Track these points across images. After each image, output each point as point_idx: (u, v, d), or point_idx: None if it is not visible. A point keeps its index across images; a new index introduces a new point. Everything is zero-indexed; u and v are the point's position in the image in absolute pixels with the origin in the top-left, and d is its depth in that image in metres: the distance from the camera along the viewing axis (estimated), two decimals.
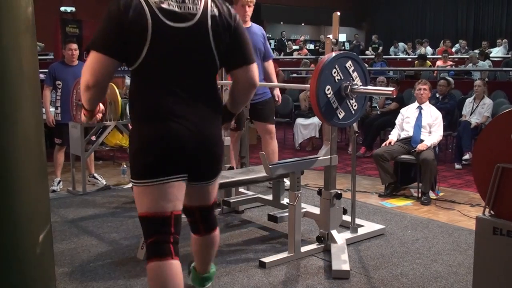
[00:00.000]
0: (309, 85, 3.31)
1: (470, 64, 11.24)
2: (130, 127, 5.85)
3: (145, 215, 2.24)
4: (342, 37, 21.05)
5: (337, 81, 3.25)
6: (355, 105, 3.38)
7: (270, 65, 5.12)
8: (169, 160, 2.20)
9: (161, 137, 2.17)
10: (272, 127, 5.08)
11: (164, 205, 2.23)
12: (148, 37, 2.09)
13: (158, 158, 2.18)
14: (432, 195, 5.22)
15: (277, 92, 5.28)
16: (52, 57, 9.63)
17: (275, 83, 5.26)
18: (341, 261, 3.30)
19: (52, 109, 5.80)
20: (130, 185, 3.60)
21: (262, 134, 5.12)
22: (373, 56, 13.78)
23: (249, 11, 4.74)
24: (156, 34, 2.10)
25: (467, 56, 12.56)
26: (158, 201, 2.22)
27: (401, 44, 18.26)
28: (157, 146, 2.17)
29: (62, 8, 15.96)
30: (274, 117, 5.28)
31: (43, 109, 5.41)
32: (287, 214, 3.53)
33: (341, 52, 3.37)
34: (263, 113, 4.99)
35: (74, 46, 5.65)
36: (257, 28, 4.97)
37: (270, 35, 19.91)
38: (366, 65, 3.87)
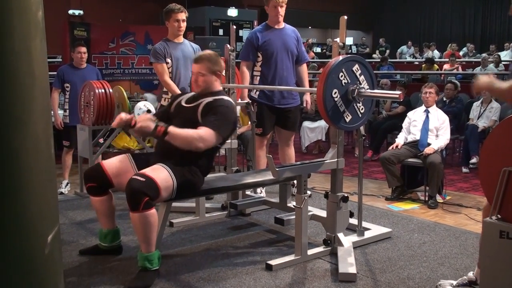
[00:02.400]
0: (316, 89, 3.32)
1: (478, 68, 11.21)
2: None
3: None
4: (349, 41, 21.03)
5: (344, 84, 3.26)
6: (362, 109, 3.39)
7: (303, 69, 4.99)
8: None
9: None
10: (293, 135, 5.01)
11: None
12: None
13: None
14: (439, 198, 5.21)
15: (306, 97, 5.16)
16: (61, 60, 9.70)
17: (306, 87, 5.14)
18: (348, 264, 3.30)
19: (60, 112, 5.85)
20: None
21: (282, 140, 4.98)
22: (380, 60, 13.76)
23: (281, 11, 4.69)
24: None
25: (479, 59, 12.49)
26: None
27: (405, 48, 18.20)
28: None
29: (70, 11, 16.06)
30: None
31: (52, 112, 5.45)
32: (293, 217, 3.54)
33: (348, 55, 3.38)
34: (290, 121, 4.88)
35: (83, 49, 5.69)
36: (290, 30, 4.88)
37: None
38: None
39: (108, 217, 3.52)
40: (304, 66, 5.03)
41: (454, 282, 2.94)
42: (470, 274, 2.93)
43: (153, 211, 3.07)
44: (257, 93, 4.75)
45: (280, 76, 4.73)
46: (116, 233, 3.59)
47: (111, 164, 3.42)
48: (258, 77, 4.78)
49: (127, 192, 3.03)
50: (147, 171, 3.13)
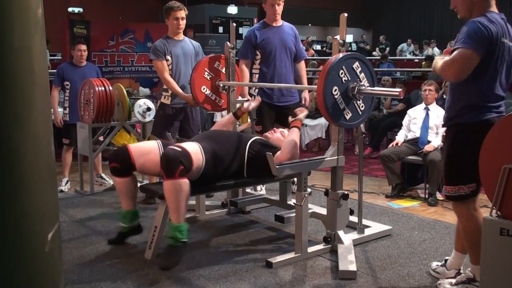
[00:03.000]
0: (316, 86, 3.31)
1: None
2: (137, 127, 5.89)
3: None
4: (349, 38, 21.01)
5: (344, 82, 3.25)
6: (362, 106, 3.39)
7: (301, 66, 5.01)
8: None
9: None
10: None
11: None
12: None
13: None
14: (439, 196, 5.20)
15: (305, 94, 5.15)
16: (60, 57, 9.69)
17: (305, 85, 5.12)
18: (348, 261, 3.31)
19: (60, 110, 5.84)
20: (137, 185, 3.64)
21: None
22: (379, 57, 13.75)
23: (279, 9, 4.70)
24: None
25: None
26: None
27: (405, 45, 18.18)
28: None
29: (70, 9, 16.05)
30: None
31: (51, 110, 5.45)
32: (294, 214, 3.54)
33: (349, 53, 3.38)
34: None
35: (83, 47, 5.69)
36: (288, 27, 4.88)
37: None
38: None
39: (129, 198, 3.62)
40: (302, 63, 5.04)
41: (453, 281, 2.95)
42: (468, 271, 2.93)
43: (187, 180, 3.19)
44: (256, 90, 4.76)
45: (279, 74, 4.74)
46: (135, 214, 3.71)
47: (137, 146, 3.61)
48: (257, 75, 4.78)
49: (163, 159, 3.19)
50: (182, 144, 3.35)
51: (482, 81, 2.67)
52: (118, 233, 3.75)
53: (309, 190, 4.58)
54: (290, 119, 3.72)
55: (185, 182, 3.18)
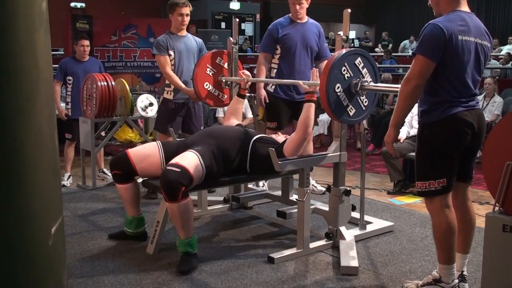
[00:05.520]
0: (319, 82, 3.31)
1: None
2: (140, 122, 5.89)
3: None
4: (352, 34, 20.97)
5: (347, 78, 3.25)
6: (365, 102, 3.38)
7: (323, 65, 4.84)
8: None
9: None
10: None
11: None
12: None
13: None
14: None
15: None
16: (63, 52, 9.69)
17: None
18: (350, 257, 3.31)
19: (62, 104, 5.85)
20: (139, 180, 3.63)
21: None
22: (382, 54, 13.74)
23: (299, 9, 4.57)
24: None
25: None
26: None
27: (408, 42, 18.15)
28: None
29: (72, 4, 16.06)
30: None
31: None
32: (296, 210, 3.55)
33: (352, 49, 3.37)
34: None
35: (86, 42, 5.69)
36: (312, 25, 4.76)
37: None
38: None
39: (133, 205, 3.62)
40: (325, 63, 4.90)
41: (420, 282, 2.93)
42: (434, 272, 2.92)
43: (189, 198, 3.19)
44: (273, 87, 4.66)
45: (297, 71, 4.61)
46: (141, 221, 3.70)
47: (136, 151, 3.57)
48: (275, 70, 4.67)
49: (163, 183, 3.11)
50: (179, 160, 3.20)
51: (444, 79, 2.67)
52: (121, 232, 3.74)
53: (311, 185, 4.59)
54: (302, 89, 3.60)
55: (188, 202, 3.18)
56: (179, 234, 3.25)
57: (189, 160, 3.22)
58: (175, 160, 3.21)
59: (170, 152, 3.46)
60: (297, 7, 4.57)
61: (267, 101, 4.63)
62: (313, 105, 3.48)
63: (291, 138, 3.49)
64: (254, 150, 3.54)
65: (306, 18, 4.72)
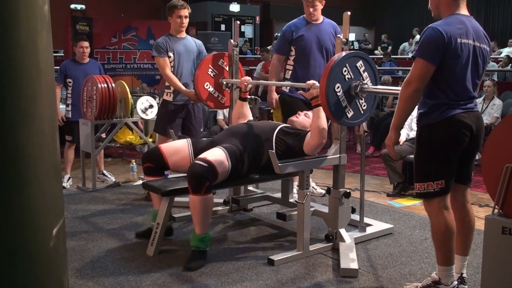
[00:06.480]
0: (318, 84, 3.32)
1: None
2: (140, 124, 5.89)
3: None
4: (351, 37, 20.99)
5: (347, 80, 3.26)
6: (364, 105, 3.39)
7: None
8: None
9: None
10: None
11: None
12: None
13: None
14: None
15: None
16: (63, 54, 9.70)
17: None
18: (350, 259, 3.31)
19: (62, 106, 5.85)
20: (139, 182, 3.64)
21: None
22: (382, 56, 13.74)
23: (313, 11, 4.54)
24: None
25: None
26: None
27: (407, 45, 18.14)
28: None
29: (72, 6, 16.05)
30: None
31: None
32: (295, 212, 3.55)
33: (352, 51, 3.38)
34: None
35: (86, 44, 5.69)
36: (328, 25, 4.69)
37: (279, 34, 19.89)
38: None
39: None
40: None
41: (419, 285, 2.94)
42: (433, 274, 2.92)
43: (212, 195, 3.31)
44: (288, 87, 4.62)
45: (312, 73, 4.49)
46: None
47: (168, 145, 3.71)
48: (290, 71, 4.62)
49: (190, 175, 3.25)
50: (207, 155, 3.32)
51: (443, 82, 2.68)
52: (148, 229, 3.74)
53: (311, 187, 4.59)
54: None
55: (211, 197, 3.30)
56: (195, 228, 3.33)
57: (216, 156, 3.35)
58: (203, 155, 3.34)
59: (198, 148, 3.59)
60: (311, 9, 4.55)
61: (278, 104, 4.64)
62: (321, 108, 3.42)
63: (308, 143, 3.51)
64: (278, 143, 3.61)
65: (321, 19, 4.67)
